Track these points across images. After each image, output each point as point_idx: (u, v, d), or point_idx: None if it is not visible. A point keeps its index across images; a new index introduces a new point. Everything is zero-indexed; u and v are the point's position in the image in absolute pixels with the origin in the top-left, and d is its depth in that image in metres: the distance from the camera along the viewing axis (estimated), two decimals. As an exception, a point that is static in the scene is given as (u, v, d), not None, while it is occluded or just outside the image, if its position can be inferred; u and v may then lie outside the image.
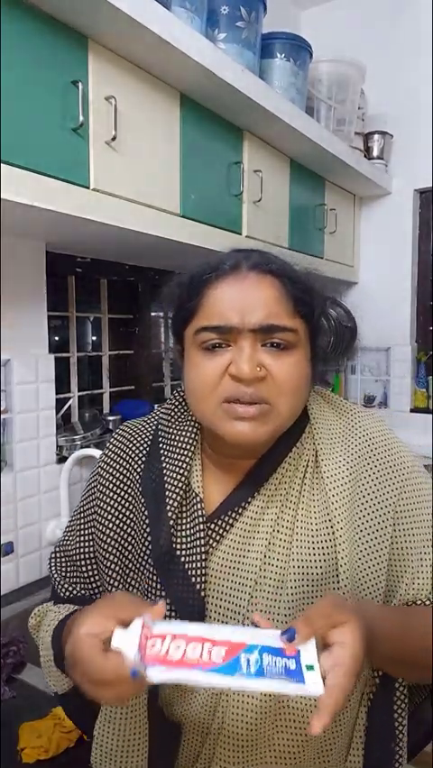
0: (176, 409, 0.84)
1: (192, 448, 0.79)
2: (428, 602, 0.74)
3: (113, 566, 0.79)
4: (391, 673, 0.74)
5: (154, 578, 0.75)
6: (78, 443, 1.60)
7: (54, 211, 1.05)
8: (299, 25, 2.45)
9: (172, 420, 0.83)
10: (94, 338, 1.97)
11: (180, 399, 0.84)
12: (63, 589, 0.84)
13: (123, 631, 0.56)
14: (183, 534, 0.76)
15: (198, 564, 0.73)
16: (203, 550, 0.73)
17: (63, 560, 0.86)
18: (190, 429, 0.80)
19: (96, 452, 1.49)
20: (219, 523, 0.74)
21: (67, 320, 1.78)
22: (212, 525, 0.74)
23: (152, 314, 2.11)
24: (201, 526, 0.74)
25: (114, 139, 1.14)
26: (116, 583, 0.78)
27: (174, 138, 1.33)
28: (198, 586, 0.73)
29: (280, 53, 1.64)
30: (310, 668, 0.55)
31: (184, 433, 0.80)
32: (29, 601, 1.42)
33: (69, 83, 1.05)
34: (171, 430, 0.82)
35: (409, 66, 2.24)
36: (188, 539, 0.75)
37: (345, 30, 2.33)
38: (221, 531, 0.74)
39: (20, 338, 1.45)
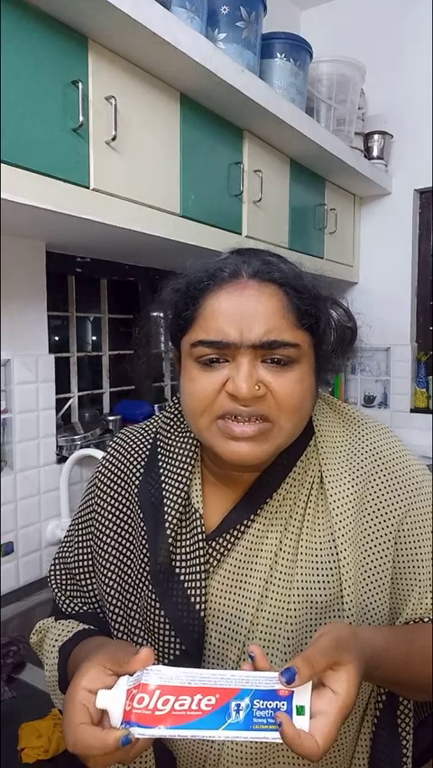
0: (176, 417, 0.81)
1: (192, 461, 0.75)
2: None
3: (111, 582, 0.76)
4: (398, 693, 0.72)
5: (153, 596, 0.72)
6: (78, 443, 1.60)
7: (54, 211, 1.05)
8: (299, 25, 2.45)
9: (172, 429, 0.80)
10: (94, 338, 1.97)
11: (179, 409, 0.81)
12: (64, 605, 0.82)
13: (107, 692, 0.55)
14: (182, 551, 0.73)
15: (198, 584, 0.70)
16: (203, 569, 0.71)
17: (62, 572, 0.84)
18: (190, 440, 0.77)
19: (97, 452, 1.49)
20: (221, 542, 0.71)
21: (67, 320, 1.78)
22: (213, 544, 0.71)
23: (152, 314, 2.11)
24: (201, 544, 0.71)
25: (114, 139, 1.13)
26: (115, 600, 0.76)
27: (174, 138, 1.33)
28: (197, 606, 0.70)
29: (280, 53, 1.64)
30: (301, 711, 0.52)
31: (184, 444, 0.77)
32: (29, 601, 1.42)
33: (69, 83, 1.05)
34: (171, 440, 0.79)
35: (409, 66, 2.24)
36: (188, 557, 0.72)
37: (345, 30, 2.33)
38: (222, 550, 0.71)
39: (20, 338, 1.45)
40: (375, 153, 2.26)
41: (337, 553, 0.70)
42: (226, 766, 0.70)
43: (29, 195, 0.99)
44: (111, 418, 1.82)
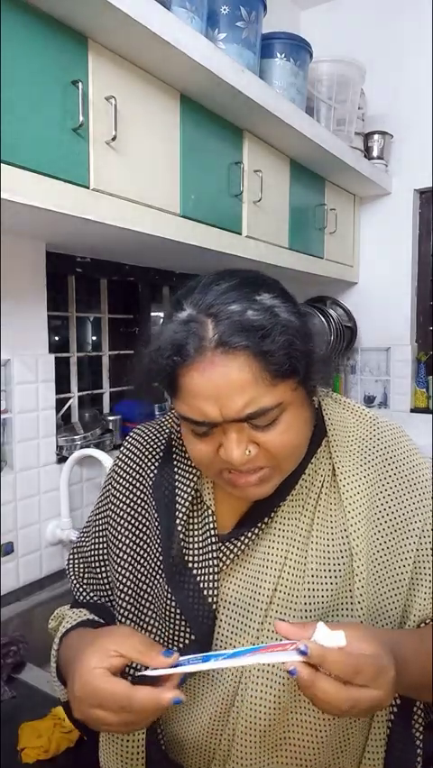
0: None
1: None
2: None
3: (126, 573, 0.78)
4: (412, 696, 0.73)
5: (167, 589, 0.74)
6: (78, 443, 1.60)
7: (54, 211, 1.05)
8: (298, 25, 2.45)
9: None
10: (94, 338, 1.97)
11: None
12: (79, 593, 0.85)
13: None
14: (195, 546, 0.75)
15: (211, 578, 0.73)
16: (215, 563, 0.73)
17: (79, 562, 0.87)
18: None
19: (97, 452, 1.49)
20: (234, 542, 0.73)
21: (67, 320, 1.78)
22: (228, 545, 0.74)
23: (152, 314, 2.11)
24: (213, 539, 0.74)
25: (114, 139, 1.13)
26: (127, 589, 0.77)
27: (174, 138, 1.33)
28: (210, 599, 0.73)
29: (280, 53, 1.64)
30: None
31: None
32: (29, 601, 1.42)
33: (69, 83, 1.05)
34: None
35: (409, 66, 2.24)
36: (200, 552, 0.75)
37: (345, 30, 2.33)
38: (235, 550, 0.73)
39: (20, 338, 1.45)
40: (375, 153, 2.26)
41: (349, 544, 0.72)
42: (239, 749, 0.71)
43: (29, 195, 0.99)
44: (111, 418, 1.82)
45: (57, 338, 1.77)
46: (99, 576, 0.84)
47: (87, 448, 1.55)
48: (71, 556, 0.88)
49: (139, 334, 2.02)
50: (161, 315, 2.21)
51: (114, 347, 1.97)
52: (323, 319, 2.23)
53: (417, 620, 0.73)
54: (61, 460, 1.56)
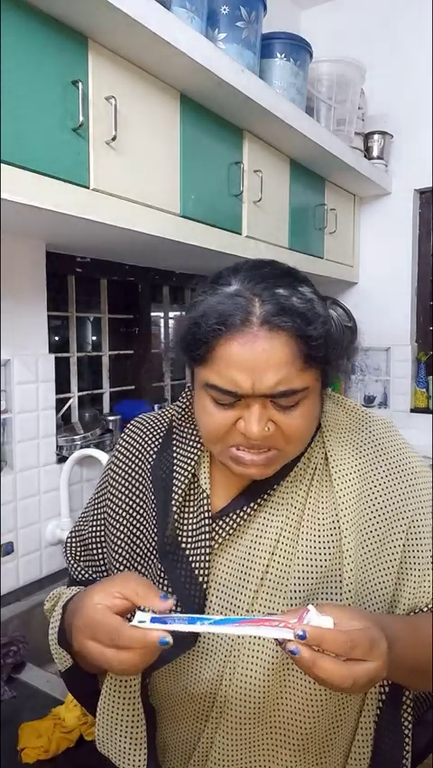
0: (188, 407, 0.85)
1: (202, 446, 0.80)
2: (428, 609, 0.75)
3: (122, 551, 0.80)
4: (401, 683, 0.74)
5: (160, 568, 0.76)
6: (78, 443, 1.60)
7: (54, 211, 1.05)
8: (299, 25, 2.45)
9: (185, 417, 0.85)
10: (94, 338, 1.97)
11: (191, 398, 0.85)
12: (76, 572, 0.87)
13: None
14: (188, 527, 0.77)
15: (202, 558, 0.75)
16: (207, 544, 0.75)
17: (77, 543, 0.89)
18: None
19: (97, 452, 1.49)
20: (227, 521, 0.75)
21: (67, 320, 1.78)
22: (220, 523, 0.76)
23: (152, 314, 2.11)
24: (206, 521, 0.75)
25: (114, 139, 1.13)
26: (123, 569, 0.80)
27: (174, 138, 1.33)
28: (200, 578, 0.74)
29: (280, 53, 1.64)
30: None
31: (195, 431, 0.82)
32: (29, 601, 1.42)
33: (69, 83, 1.05)
34: (184, 426, 0.84)
35: (409, 66, 2.24)
36: (193, 533, 0.76)
37: (346, 29, 2.33)
38: (228, 528, 0.75)
39: (20, 338, 1.45)
40: (375, 153, 2.26)
41: (339, 528, 0.73)
42: (234, 703, 0.72)
43: (29, 195, 0.99)
44: (111, 418, 1.82)
45: (57, 338, 1.77)
46: (96, 557, 0.86)
47: (87, 448, 1.55)
48: (69, 537, 0.90)
49: (139, 334, 2.02)
50: (161, 314, 2.21)
51: (114, 347, 1.97)
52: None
53: (406, 608, 0.74)
54: (61, 460, 1.56)
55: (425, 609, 0.75)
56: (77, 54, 1.07)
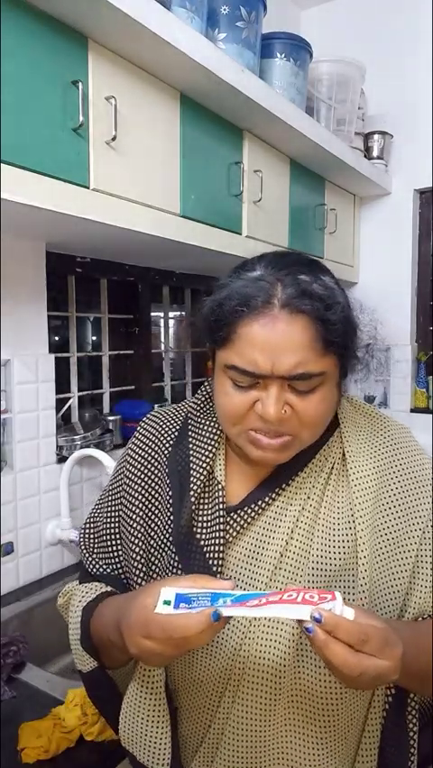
0: (204, 402, 0.87)
1: (218, 439, 0.81)
2: None
3: (138, 542, 0.81)
4: (404, 686, 0.75)
5: (174, 558, 0.77)
6: (78, 443, 1.60)
7: (54, 211, 1.05)
8: (299, 25, 2.45)
9: (201, 412, 0.86)
10: (94, 338, 1.97)
11: (209, 392, 0.87)
12: (91, 566, 0.87)
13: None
14: (204, 519, 0.78)
15: (217, 549, 0.75)
16: (221, 535, 0.76)
17: (91, 536, 0.89)
18: (217, 422, 0.82)
19: (97, 452, 1.49)
20: (241, 515, 0.76)
21: (67, 320, 1.78)
22: (234, 516, 0.76)
23: (152, 314, 2.11)
24: (221, 513, 0.76)
25: (114, 139, 1.13)
26: (140, 558, 0.80)
27: (174, 138, 1.33)
28: (214, 569, 0.75)
29: (280, 53, 1.64)
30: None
31: (211, 424, 0.83)
32: (29, 601, 1.42)
33: (69, 83, 1.05)
34: (200, 421, 0.85)
35: (409, 66, 2.24)
36: (208, 525, 0.77)
37: (345, 30, 2.33)
38: (242, 522, 0.76)
39: (20, 338, 1.45)
40: (375, 153, 2.26)
41: (355, 526, 0.74)
42: (230, 736, 0.73)
43: (29, 195, 0.99)
44: (111, 418, 1.82)
45: (57, 338, 1.77)
46: (110, 549, 0.86)
47: (87, 448, 1.55)
48: (83, 530, 0.90)
49: (139, 334, 2.02)
50: (161, 314, 2.21)
51: (114, 347, 1.97)
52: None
53: (414, 613, 0.75)
54: (61, 460, 1.56)
55: (425, 616, 0.76)
56: (77, 54, 1.07)
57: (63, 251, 1.63)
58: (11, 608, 1.38)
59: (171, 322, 2.30)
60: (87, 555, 0.88)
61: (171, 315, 2.28)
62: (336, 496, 0.77)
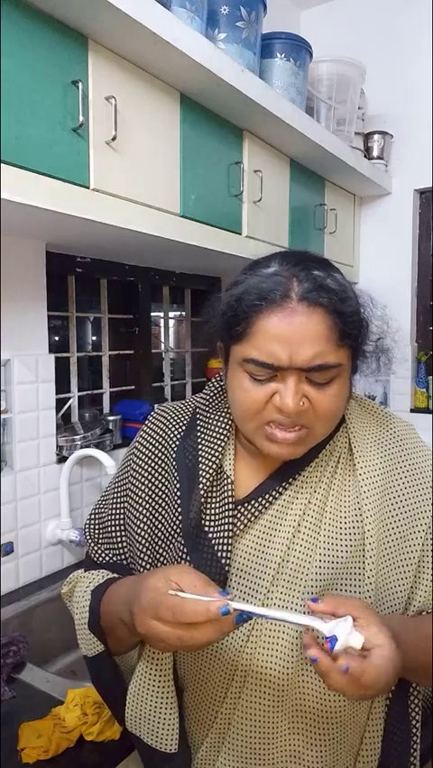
0: (213, 397, 0.87)
1: (227, 433, 0.82)
2: None
3: (144, 533, 0.82)
4: (409, 678, 0.76)
5: (183, 550, 0.78)
6: (78, 443, 1.60)
7: (54, 211, 1.05)
8: (299, 25, 2.45)
9: (209, 407, 0.87)
10: (94, 338, 1.97)
11: (218, 389, 0.88)
12: (96, 554, 0.88)
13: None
14: (212, 512, 0.79)
15: (225, 542, 0.76)
16: (229, 528, 0.76)
17: (96, 527, 0.90)
18: (226, 417, 0.83)
19: (97, 452, 1.49)
20: (249, 508, 0.77)
21: (67, 320, 1.78)
22: (241, 509, 0.77)
23: (153, 314, 2.11)
24: (230, 506, 0.77)
25: (114, 139, 1.13)
26: (146, 550, 0.81)
27: (174, 138, 1.33)
28: (222, 561, 0.76)
29: (280, 53, 1.64)
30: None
31: (220, 419, 0.84)
32: (29, 601, 1.42)
33: (69, 83, 1.05)
34: (208, 415, 0.86)
35: (409, 66, 2.24)
36: (217, 518, 0.78)
37: (345, 30, 2.33)
38: (250, 516, 0.77)
39: (20, 338, 1.45)
40: (375, 153, 2.26)
41: (362, 519, 0.75)
42: (236, 727, 0.74)
43: (29, 195, 0.99)
44: (111, 418, 1.82)
45: (57, 338, 1.77)
46: (115, 540, 0.87)
47: (87, 448, 1.55)
48: (89, 520, 0.91)
49: (139, 334, 2.02)
50: (161, 315, 2.21)
51: (114, 347, 1.97)
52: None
53: (417, 608, 0.76)
54: (61, 460, 1.56)
55: (429, 611, 0.77)
56: (77, 54, 1.07)
57: (63, 251, 1.63)
58: (11, 608, 1.38)
59: (171, 322, 2.30)
60: (92, 545, 0.89)
61: (171, 315, 2.28)
62: (343, 489, 0.78)
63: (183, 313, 2.33)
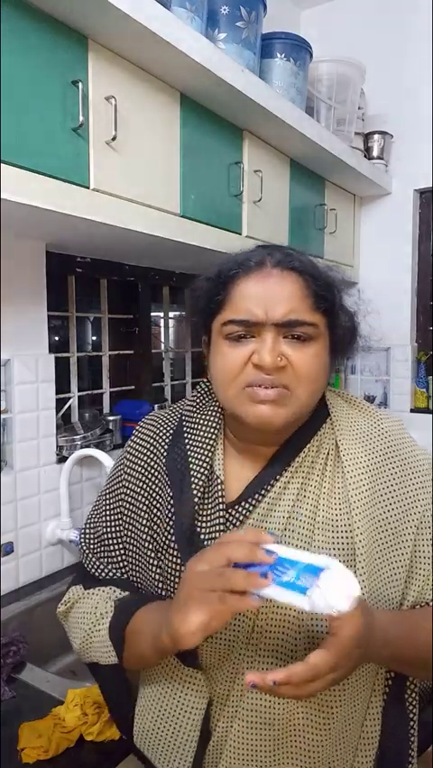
0: (200, 400, 0.88)
1: (215, 433, 0.83)
2: None
3: (148, 538, 0.82)
4: (405, 672, 0.77)
5: (177, 555, 0.78)
6: (78, 443, 1.60)
7: (54, 211, 1.05)
8: (299, 25, 2.45)
9: (196, 409, 0.88)
10: (94, 338, 1.97)
11: (205, 390, 0.89)
12: (95, 568, 0.87)
13: None
14: (204, 516, 0.79)
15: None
16: (221, 530, 0.77)
17: (93, 540, 0.90)
18: (214, 416, 0.84)
19: (97, 452, 1.49)
20: (239, 509, 0.78)
21: (67, 320, 1.78)
22: (232, 512, 0.78)
23: (153, 314, 2.11)
24: (221, 507, 0.78)
25: (114, 139, 1.13)
26: (152, 554, 0.81)
27: (174, 138, 1.33)
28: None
29: (280, 53, 1.64)
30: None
31: (208, 420, 0.85)
32: (29, 601, 1.42)
33: (69, 83, 1.05)
34: (195, 418, 0.87)
35: (409, 66, 2.24)
36: (209, 520, 0.78)
37: (345, 30, 2.33)
38: (240, 517, 0.77)
39: (20, 338, 1.45)
40: (375, 153, 2.26)
41: (352, 519, 0.75)
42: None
43: (29, 195, 0.99)
44: (111, 418, 1.82)
45: (57, 338, 1.77)
46: (114, 552, 0.87)
47: (87, 448, 1.55)
48: (84, 535, 0.91)
49: (139, 334, 2.02)
50: (161, 314, 2.21)
51: (114, 347, 1.97)
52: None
53: (411, 602, 0.77)
54: (61, 460, 1.56)
55: (422, 604, 0.78)
56: (77, 54, 1.07)
57: (63, 251, 1.63)
58: (11, 608, 1.38)
59: (171, 322, 2.30)
60: (90, 557, 0.89)
61: (171, 315, 2.28)
62: (333, 486, 0.78)
63: (183, 313, 2.33)
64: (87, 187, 1.11)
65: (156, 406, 1.99)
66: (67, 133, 1.06)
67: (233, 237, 1.55)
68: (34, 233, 1.36)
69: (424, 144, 2.22)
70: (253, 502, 0.77)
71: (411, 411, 2.35)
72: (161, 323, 2.23)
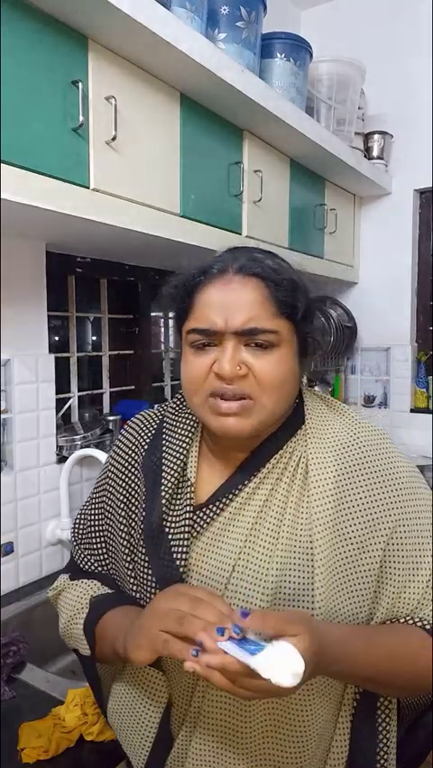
0: (182, 402, 0.89)
1: (191, 437, 0.84)
2: (418, 622, 0.75)
3: (120, 539, 0.83)
4: (371, 689, 0.75)
5: (144, 552, 0.80)
6: (78, 443, 1.60)
7: (54, 211, 1.05)
8: (299, 25, 2.45)
9: (177, 412, 0.88)
10: (94, 338, 1.97)
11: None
12: (81, 560, 0.91)
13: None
14: (173, 515, 0.79)
15: (183, 544, 0.77)
16: (188, 531, 0.77)
17: (80, 532, 0.93)
18: (191, 420, 0.85)
19: (97, 452, 1.49)
20: (206, 511, 0.78)
21: (67, 320, 1.78)
22: (199, 513, 0.78)
23: (153, 314, 2.11)
24: (189, 508, 0.78)
25: (114, 139, 1.14)
26: (124, 556, 0.83)
27: (174, 138, 1.33)
28: (177, 562, 0.77)
29: (280, 53, 1.64)
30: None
31: (185, 423, 0.85)
32: (29, 601, 1.42)
33: (69, 83, 1.05)
34: (174, 420, 0.87)
35: (409, 66, 2.24)
36: (177, 520, 0.79)
37: (345, 30, 2.33)
38: (207, 518, 0.78)
39: (20, 338, 1.45)
40: (375, 153, 2.26)
41: (312, 536, 0.73)
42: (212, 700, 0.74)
43: (29, 195, 0.99)
44: (111, 418, 1.82)
45: (57, 338, 1.77)
46: (95, 545, 0.90)
47: (87, 448, 1.55)
48: (75, 525, 0.94)
49: (139, 334, 2.02)
50: (161, 315, 2.21)
51: (114, 347, 1.97)
52: (323, 319, 2.23)
53: (382, 617, 0.75)
54: (61, 460, 1.56)
55: (402, 620, 0.75)
56: (77, 54, 1.07)
57: (63, 251, 1.63)
58: (11, 608, 1.38)
59: (171, 322, 2.30)
60: (77, 547, 0.92)
61: (171, 314, 2.27)
62: (301, 499, 0.76)
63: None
64: (87, 187, 1.11)
65: (156, 406, 1.98)
66: (67, 133, 1.06)
67: (233, 237, 1.55)
68: (34, 233, 1.36)
69: (424, 144, 2.22)
70: (220, 506, 0.77)
71: (411, 411, 2.35)
72: (161, 323, 2.23)
